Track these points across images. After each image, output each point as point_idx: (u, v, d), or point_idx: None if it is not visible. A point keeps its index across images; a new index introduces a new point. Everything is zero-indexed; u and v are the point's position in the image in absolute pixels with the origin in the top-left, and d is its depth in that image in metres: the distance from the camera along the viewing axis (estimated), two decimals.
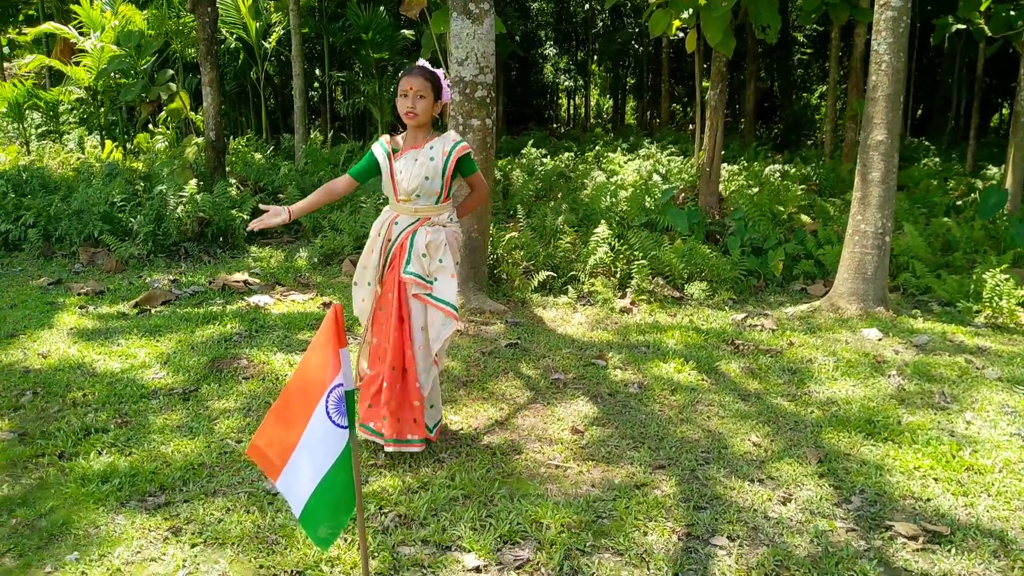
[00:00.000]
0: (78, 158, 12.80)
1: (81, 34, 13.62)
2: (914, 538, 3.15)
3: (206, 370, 4.86)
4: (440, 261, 3.68)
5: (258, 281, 7.10)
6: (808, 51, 23.55)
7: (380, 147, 3.76)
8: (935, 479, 3.64)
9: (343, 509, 2.21)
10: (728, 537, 3.15)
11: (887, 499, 3.46)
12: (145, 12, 13.93)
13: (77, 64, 13.66)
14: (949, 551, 3.07)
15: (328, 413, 2.12)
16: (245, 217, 8.62)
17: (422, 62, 3.71)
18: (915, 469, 3.72)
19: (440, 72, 3.70)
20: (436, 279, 3.70)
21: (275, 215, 3.68)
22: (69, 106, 16.08)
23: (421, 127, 3.69)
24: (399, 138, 3.77)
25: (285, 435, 2.16)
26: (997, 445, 3.97)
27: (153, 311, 6.16)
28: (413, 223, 3.70)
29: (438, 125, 4.30)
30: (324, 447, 2.14)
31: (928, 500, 3.46)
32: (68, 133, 15.76)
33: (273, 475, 2.18)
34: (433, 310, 3.71)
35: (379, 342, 3.79)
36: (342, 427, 2.16)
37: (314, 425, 2.13)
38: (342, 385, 2.13)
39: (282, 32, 14.52)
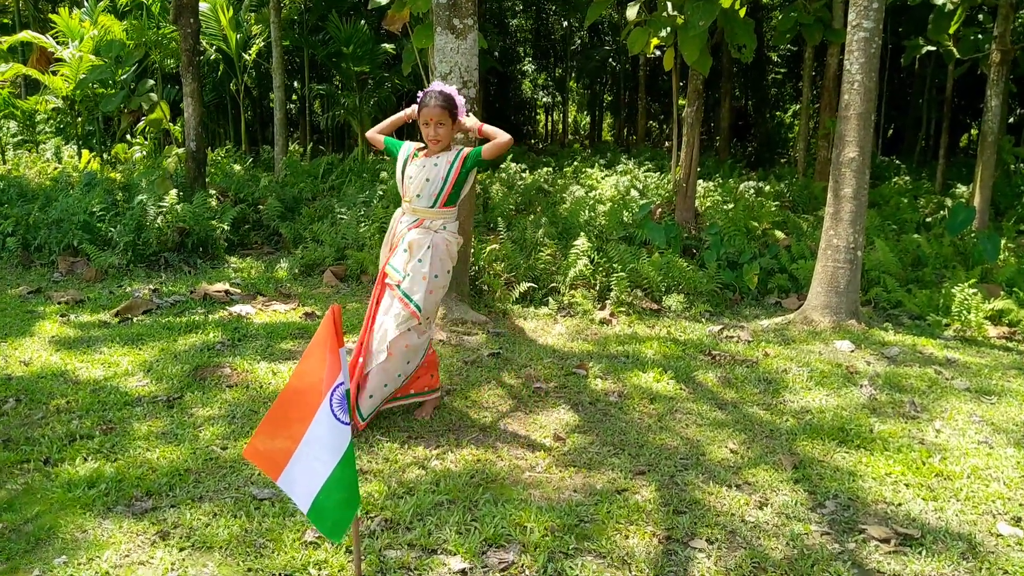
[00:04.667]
0: (55, 167, 12.72)
1: (59, 43, 13.56)
2: (886, 541, 3.25)
3: (189, 378, 4.88)
4: (419, 261, 4.03)
5: (239, 291, 7.12)
6: (782, 71, 23.96)
7: (406, 148, 4.27)
8: (906, 485, 3.75)
9: (350, 504, 2.27)
10: (707, 540, 3.24)
11: (860, 504, 3.57)
12: (124, 22, 13.90)
13: (54, 73, 13.59)
14: (920, 553, 3.17)
15: (333, 411, 2.20)
16: (225, 228, 8.64)
17: (438, 85, 4.11)
18: (887, 475, 3.83)
19: (452, 90, 4.09)
20: (408, 275, 4.03)
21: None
22: (45, 115, 15.97)
23: (444, 148, 4.15)
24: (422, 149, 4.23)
25: (286, 435, 2.23)
26: (965, 452, 4.10)
27: (134, 320, 6.16)
28: (412, 222, 4.15)
29: None
30: (330, 444, 2.21)
31: (899, 505, 3.57)
32: (44, 143, 15.64)
33: (274, 474, 2.24)
34: (397, 302, 4.05)
35: (365, 323, 4.21)
36: (346, 423, 2.22)
37: (318, 423, 2.20)
38: (343, 384, 2.20)
39: (263, 44, 14.55)
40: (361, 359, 4.10)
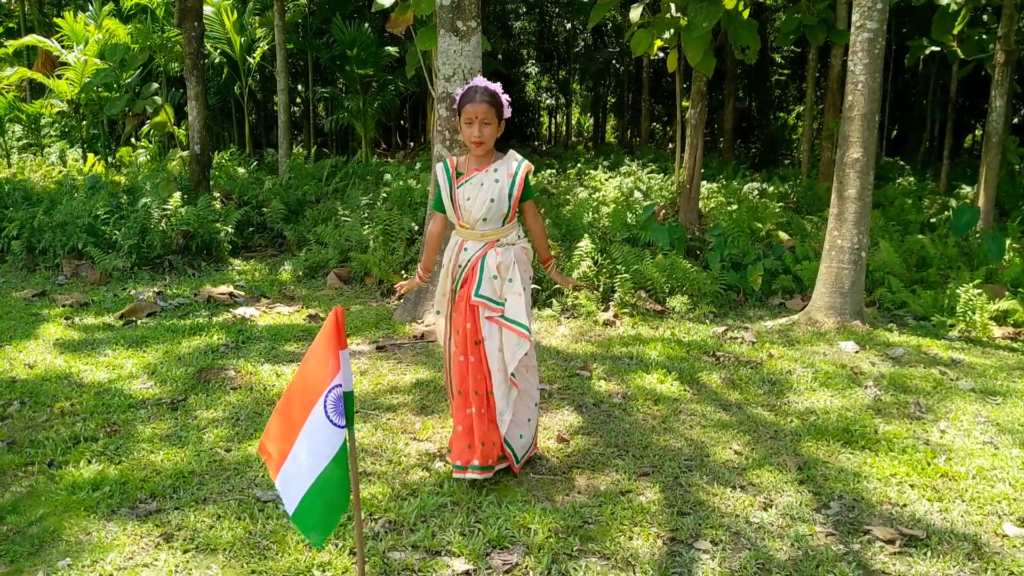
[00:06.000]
0: (60, 171, 12.76)
1: (64, 47, 13.61)
2: (891, 542, 3.24)
3: (193, 380, 4.89)
4: (510, 281, 3.66)
5: (243, 294, 7.13)
6: (785, 72, 23.91)
7: (443, 171, 3.69)
8: (911, 485, 3.74)
9: (337, 507, 2.27)
10: (711, 541, 3.23)
11: (864, 505, 3.55)
12: (129, 26, 13.95)
13: (59, 77, 13.64)
14: (925, 554, 3.16)
15: (326, 412, 2.19)
16: (229, 230, 8.65)
17: (482, 81, 3.59)
18: (891, 476, 3.82)
19: (498, 87, 3.61)
20: (507, 299, 3.65)
21: (413, 283, 3.92)
22: (50, 119, 16.02)
23: (487, 152, 3.65)
24: (463, 159, 3.72)
25: (285, 435, 2.23)
26: (970, 453, 4.08)
27: (139, 323, 6.17)
28: (482, 247, 3.68)
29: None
30: (321, 446, 2.21)
31: (904, 506, 3.56)
32: (49, 146, 15.70)
33: (274, 473, 2.24)
34: (507, 331, 3.65)
35: (458, 369, 3.74)
36: (339, 426, 2.22)
37: (312, 424, 2.19)
38: (341, 386, 2.20)
39: (267, 48, 14.58)
40: (472, 408, 3.70)
